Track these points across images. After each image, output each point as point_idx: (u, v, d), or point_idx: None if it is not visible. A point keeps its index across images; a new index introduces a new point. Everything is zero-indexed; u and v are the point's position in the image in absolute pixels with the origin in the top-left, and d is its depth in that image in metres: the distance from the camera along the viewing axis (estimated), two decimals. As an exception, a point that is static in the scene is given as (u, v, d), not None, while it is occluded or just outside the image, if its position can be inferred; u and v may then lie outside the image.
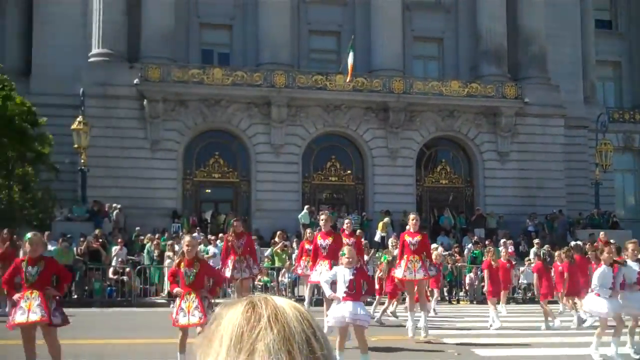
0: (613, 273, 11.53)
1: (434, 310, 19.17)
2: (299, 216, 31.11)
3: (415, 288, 14.04)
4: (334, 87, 34.86)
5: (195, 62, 35.71)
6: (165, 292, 22.75)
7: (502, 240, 28.28)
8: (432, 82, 36.43)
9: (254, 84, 34.20)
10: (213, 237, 26.71)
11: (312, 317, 1.46)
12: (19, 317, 8.85)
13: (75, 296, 22.51)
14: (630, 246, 12.16)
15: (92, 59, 34.04)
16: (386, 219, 31.84)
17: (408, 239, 13.92)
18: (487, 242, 28.40)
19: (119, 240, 25.38)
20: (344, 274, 10.31)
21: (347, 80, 33.89)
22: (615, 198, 41.77)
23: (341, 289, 10.26)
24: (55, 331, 9.17)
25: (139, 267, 23.95)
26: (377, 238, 31.14)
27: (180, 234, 26.93)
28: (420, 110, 36.01)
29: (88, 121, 29.66)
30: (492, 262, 17.57)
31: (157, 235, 26.86)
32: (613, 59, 45.47)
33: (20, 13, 37.15)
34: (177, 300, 10.27)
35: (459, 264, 27.12)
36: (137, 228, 28.55)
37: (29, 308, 8.82)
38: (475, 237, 30.62)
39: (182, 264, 10.22)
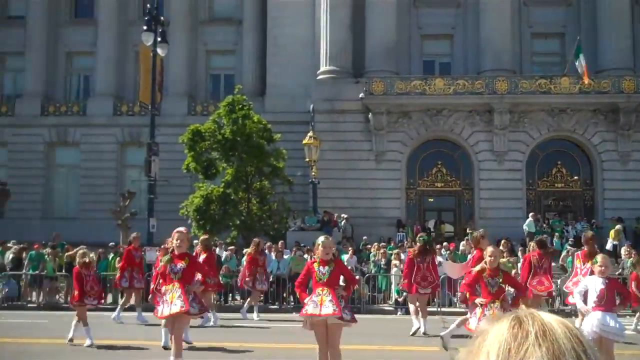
0: None
1: None
2: (524, 225, 30.72)
3: None
4: (559, 91, 34.00)
5: (417, 73, 36.55)
6: (393, 299, 23.62)
7: None
8: (667, 80, 34.30)
9: (476, 91, 34.29)
10: (438, 246, 27.15)
11: (582, 333, 1.41)
12: (312, 310, 9.36)
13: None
14: None
15: (320, 77, 36.07)
16: (618, 227, 30.47)
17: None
18: None
19: (349, 248, 26.61)
20: (595, 283, 9.98)
21: (586, 82, 32.87)
22: None
23: (591, 298, 9.91)
24: (341, 329, 9.67)
25: (367, 275, 24.98)
26: (608, 246, 29.89)
27: (408, 243, 27.68)
28: (654, 110, 34.07)
29: (317, 136, 31.51)
30: None
31: (382, 244, 27.83)
32: None
33: (256, 37, 40.21)
34: (479, 309, 10.58)
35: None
36: (364, 237, 29.80)
37: (321, 302, 9.38)
38: None
39: (485, 274, 10.48)
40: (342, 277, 10.02)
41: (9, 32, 42.35)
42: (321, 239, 9.90)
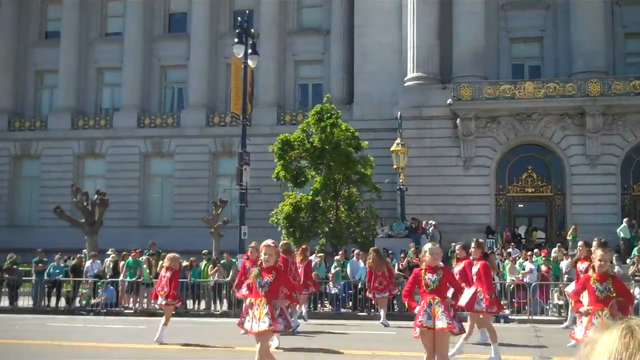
0: None
1: None
2: (618, 230, 29.86)
3: None
4: (655, 92, 32.96)
5: (505, 78, 36.08)
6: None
7: None
8: None
9: (567, 94, 33.59)
10: (529, 253, 26.72)
11: None
12: (426, 322, 9.42)
13: (397, 309, 24.03)
14: None
15: (407, 83, 36.09)
16: None
17: None
18: None
19: (437, 255, 26.44)
20: None
21: None
22: None
23: None
24: (448, 338, 9.76)
25: (455, 282, 24.80)
26: None
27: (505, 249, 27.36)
28: None
29: (405, 142, 31.57)
30: None
31: (472, 251, 27.53)
32: None
33: (343, 46, 40.61)
34: (585, 318, 10.26)
35: None
36: (453, 244, 29.56)
37: (434, 314, 9.46)
38: None
39: (593, 279, 10.10)
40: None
41: (106, 48, 44.31)
42: (428, 245, 9.97)
